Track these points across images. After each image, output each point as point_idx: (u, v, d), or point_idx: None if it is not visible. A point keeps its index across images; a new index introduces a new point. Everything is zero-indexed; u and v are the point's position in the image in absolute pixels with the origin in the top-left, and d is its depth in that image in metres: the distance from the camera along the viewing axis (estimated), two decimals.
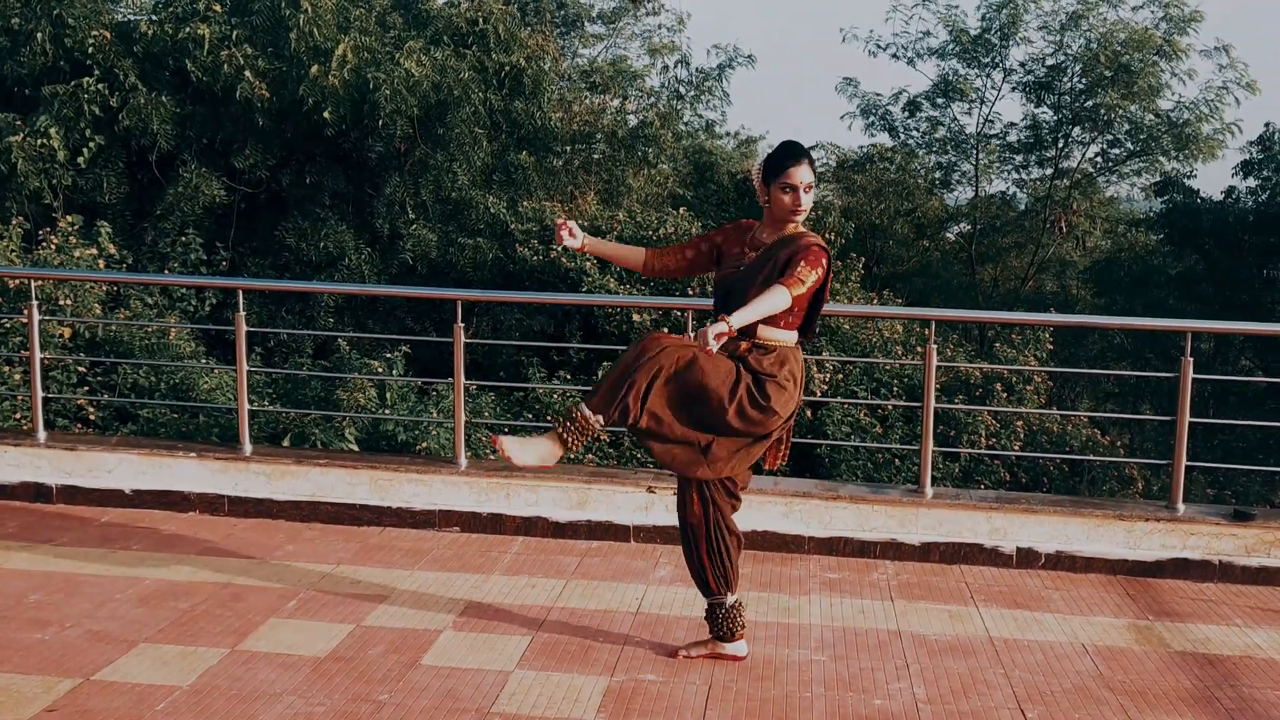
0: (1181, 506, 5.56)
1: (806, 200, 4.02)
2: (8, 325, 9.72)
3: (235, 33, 12.87)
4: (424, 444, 9.47)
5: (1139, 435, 17.15)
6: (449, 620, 4.65)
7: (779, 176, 4.01)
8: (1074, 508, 5.58)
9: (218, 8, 13.03)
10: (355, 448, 8.97)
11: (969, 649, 4.50)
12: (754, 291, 3.93)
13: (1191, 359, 5.53)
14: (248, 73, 12.55)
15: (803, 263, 3.95)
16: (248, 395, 6.45)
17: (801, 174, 4.00)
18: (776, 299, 3.86)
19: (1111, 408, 19.64)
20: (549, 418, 4.11)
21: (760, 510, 5.67)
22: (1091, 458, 6.26)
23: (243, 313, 6.33)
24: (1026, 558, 5.51)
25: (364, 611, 4.73)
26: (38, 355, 6.44)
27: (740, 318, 3.77)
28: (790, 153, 4.04)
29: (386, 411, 9.85)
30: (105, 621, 4.54)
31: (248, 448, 6.25)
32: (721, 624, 4.25)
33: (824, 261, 3.99)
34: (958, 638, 4.61)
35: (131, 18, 13.91)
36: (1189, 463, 5.67)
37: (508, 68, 14.25)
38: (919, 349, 12.47)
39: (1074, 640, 4.62)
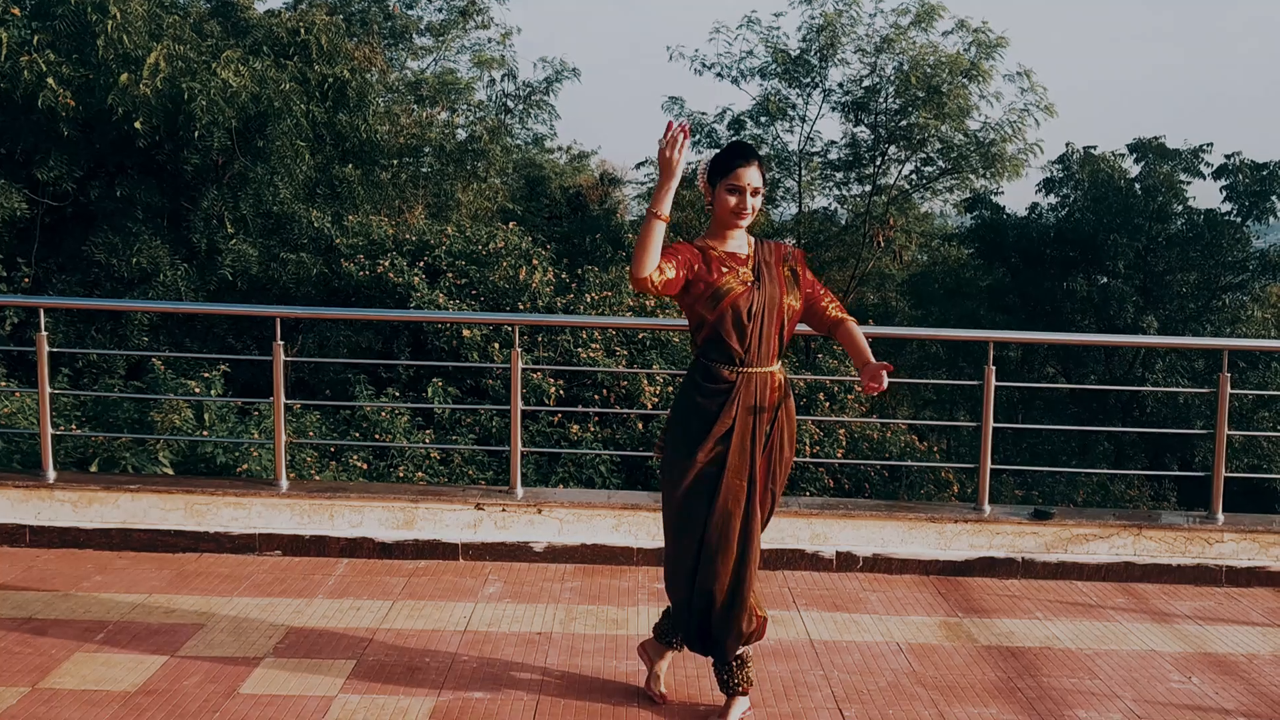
0: (988, 508, 5.85)
1: (754, 204, 3.76)
2: None
3: (36, 38, 12.23)
4: (245, 466, 9.16)
5: (955, 440, 17.95)
6: (270, 646, 4.52)
7: (725, 176, 3.74)
8: (889, 511, 5.81)
9: (16, 10, 12.36)
10: (170, 472, 8.61)
11: (791, 652, 4.63)
12: (788, 318, 3.85)
13: (994, 367, 5.84)
14: (50, 80, 11.93)
15: (821, 286, 4.02)
16: (54, 419, 6.13)
17: (750, 175, 3.73)
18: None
19: (929, 414, 20.50)
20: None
21: (589, 524, 5.71)
22: (909, 463, 6.54)
23: (45, 332, 6.01)
24: (846, 561, 5.70)
25: (179, 641, 4.55)
26: None
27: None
28: (739, 152, 3.77)
29: (204, 433, 9.50)
30: None
31: (51, 474, 5.93)
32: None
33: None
34: (780, 642, 4.74)
35: None
36: (994, 466, 5.97)
37: (331, 79, 13.96)
38: None
39: (889, 639, 4.80)
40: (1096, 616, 5.16)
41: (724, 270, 3.76)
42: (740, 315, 3.74)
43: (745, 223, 3.79)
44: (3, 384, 10.17)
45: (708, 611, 3.88)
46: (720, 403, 3.78)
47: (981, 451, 5.88)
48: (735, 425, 3.78)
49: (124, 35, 12.30)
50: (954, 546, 5.73)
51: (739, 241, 3.86)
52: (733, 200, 3.75)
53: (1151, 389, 13.15)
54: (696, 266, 3.75)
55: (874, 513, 5.79)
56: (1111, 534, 5.71)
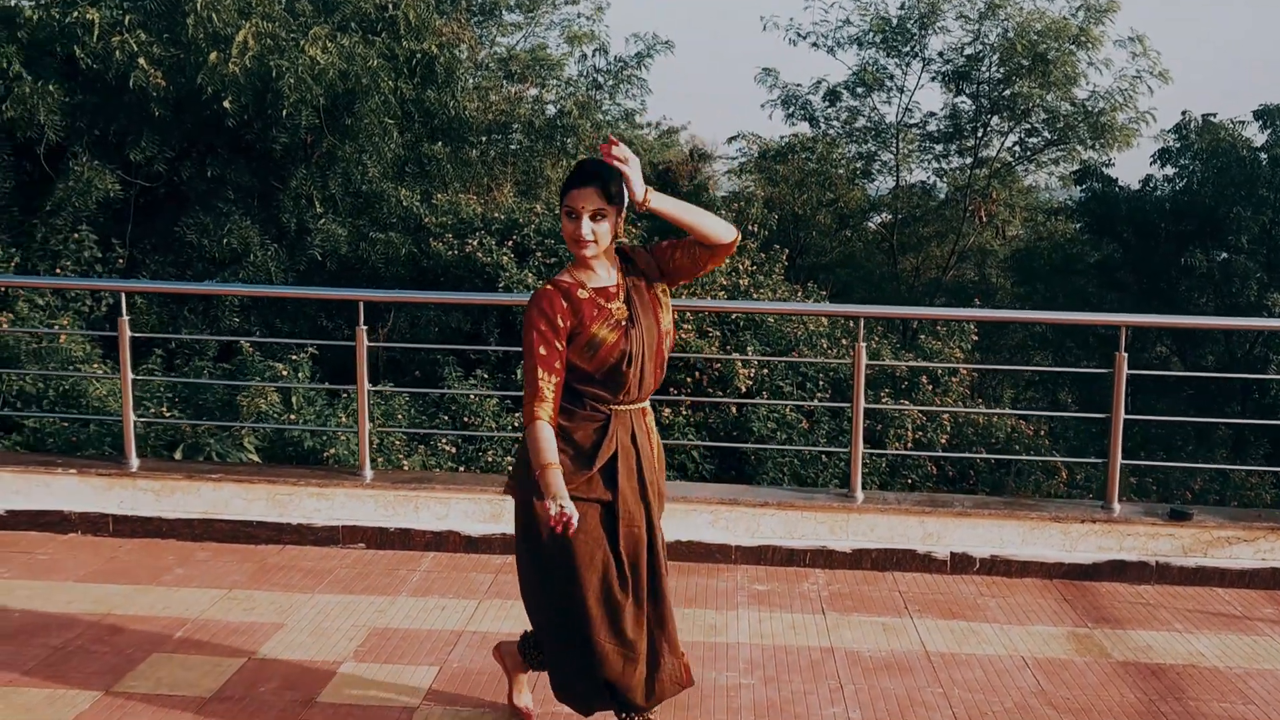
0: (1117, 506, 5.39)
1: (592, 229, 3.21)
2: None
3: (127, 18, 12.22)
4: (332, 450, 9.01)
5: (1060, 423, 17.20)
6: (350, 650, 4.29)
7: (562, 201, 3.26)
8: (1008, 510, 5.38)
9: None
10: (256, 458, 8.48)
11: (905, 666, 4.26)
12: (665, 346, 3.42)
13: (1126, 354, 5.36)
14: (141, 60, 11.92)
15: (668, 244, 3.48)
16: (142, 404, 6.00)
17: (584, 197, 3.20)
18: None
19: (1032, 395, 19.72)
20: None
21: (686, 519, 5.38)
22: (1023, 457, 6.08)
23: (126, 317, 5.88)
24: (961, 563, 5.30)
25: (258, 641, 4.35)
26: None
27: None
28: (575, 173, 3.26)
29: (292, 418, 9.37)
30: None
31: (134, 462, 5.81)
32: None
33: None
34: (893, 653, 4.37)
35: (14, 2, 13.14)
36: (1124, 461, 5.49)
37: (419, 55, 13.77)
38: (844, 341, 12.28)
39: (1013, 653, 4.40)
40: (1244, 630, 4.68)
41: (595, 312, 3.27)
42: (619, 365, 3.28)
43: (587, 253, 3.25)
44: (97, 366, 10.18)
45: (631, 663, 3.38)
46: (594, 437, 3.32)
47: (1111, 444, 5.42)
48: (618, 463, 3.32)
49: (213, 13, 12.23)
50: (1080, 548, 5.28)
51: (604, 271, 3.34)
52: (570, 226, 3.23)
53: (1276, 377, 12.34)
54: (568, 323, 3.24)
55: (991, 511, 5.37)
56: (1257, 537, 5.21)
